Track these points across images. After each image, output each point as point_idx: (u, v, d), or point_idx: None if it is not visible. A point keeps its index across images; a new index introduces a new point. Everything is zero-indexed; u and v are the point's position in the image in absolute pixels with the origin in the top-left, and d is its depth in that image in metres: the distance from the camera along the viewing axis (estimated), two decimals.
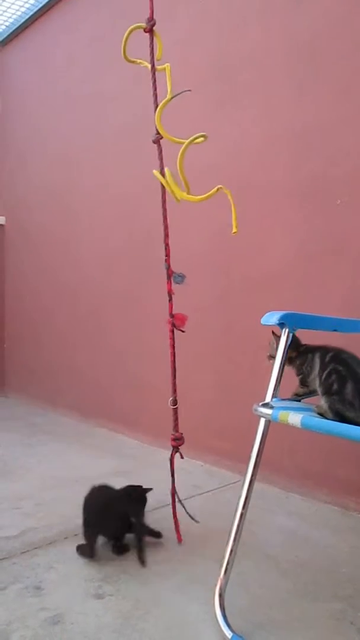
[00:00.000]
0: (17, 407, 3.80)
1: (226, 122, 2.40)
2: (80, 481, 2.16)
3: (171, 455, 1.70)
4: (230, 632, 1.18)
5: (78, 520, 1.72)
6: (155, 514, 1.86)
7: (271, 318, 1.31)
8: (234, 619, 1.23)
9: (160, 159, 1.70)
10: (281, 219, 2.18)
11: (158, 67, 1.69)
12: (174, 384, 1.75)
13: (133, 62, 1.73)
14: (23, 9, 3.64)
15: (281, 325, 1.32)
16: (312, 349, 1.36)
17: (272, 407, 1.20)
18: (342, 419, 1.17)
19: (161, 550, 1.61)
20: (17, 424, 3.29)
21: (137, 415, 2.92)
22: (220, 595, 1.27)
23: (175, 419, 1.74)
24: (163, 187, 1.68)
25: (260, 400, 1.30)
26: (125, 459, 2.52)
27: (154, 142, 1.69)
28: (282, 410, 1.16)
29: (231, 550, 1.28)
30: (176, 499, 1.70)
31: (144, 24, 1.67)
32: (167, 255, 1.70)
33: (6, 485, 2.17)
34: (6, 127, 4.12)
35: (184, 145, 1.54)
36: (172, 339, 1.74)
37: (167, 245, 1.71)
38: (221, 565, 1.29)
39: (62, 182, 3.52)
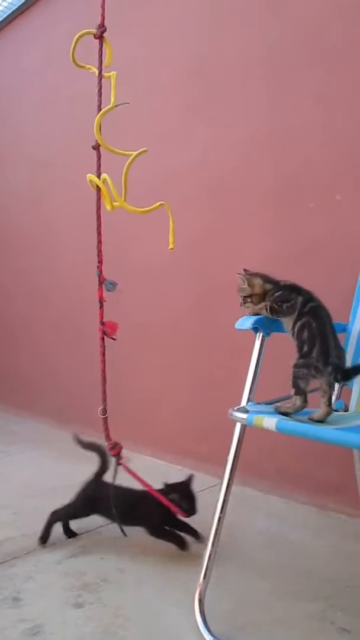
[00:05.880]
0: None
1: (202, 124, 2.41)
2: (60, 489, 2.14)
3: (117, 464, 1.70)
4: (211, 637, 1.18)
5: (57, 528, 1.71)
6: None
7: (245, 322, 1.32)
8: (215, 623, 1.23)
9: (98, 165, 1.73)
10: (256, 222, 2.20)
11: (105, 74, 1.69)
12: (104, 393, 1.78)
13: (82, 67, 1.73)
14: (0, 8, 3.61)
15: (255, 329, 1.33)
16: (294, 288, 1.34)
17: (247, 412, 1.21)
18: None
19: (141, 556, 1.60)
20: None
21: (114, 421, 2.90)
22: (200, 600, 1.27)
23: (106, 429, 1.77)
24: (98, 192, 1.71)
25: (237, 403, 1.31)
26: None
27: (94, 148, 1.72)
28: (257, 414, 1.17)
29: (210, 554, 1.28)
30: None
31: (94, 30, 1.67)
32: (100, 261, 1.73)
33: None
34: None
35: (129, 160, 1.56)
36: (103, 346, 1.78)
37: (99, 251, 1.74)
38: (201, 570, 1.29)
39: (39, 186, 3.49)
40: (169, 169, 2.55)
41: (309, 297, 1.30)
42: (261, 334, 1.34)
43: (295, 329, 1.26)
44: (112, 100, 1.62)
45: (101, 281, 1.71)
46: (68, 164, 3.22)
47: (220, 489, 1.29)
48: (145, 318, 2.71)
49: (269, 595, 1.40)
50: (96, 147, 1.70)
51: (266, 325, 1.34)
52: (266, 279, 1.38)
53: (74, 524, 1.75)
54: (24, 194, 3.63)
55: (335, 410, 1.43)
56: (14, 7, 3.53)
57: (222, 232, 2.34)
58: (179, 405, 2.52)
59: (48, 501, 2.01)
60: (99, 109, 1.67)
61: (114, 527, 1.66)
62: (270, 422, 1.12)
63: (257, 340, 1.34)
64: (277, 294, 1.33)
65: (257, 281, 1.37)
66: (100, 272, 1.72)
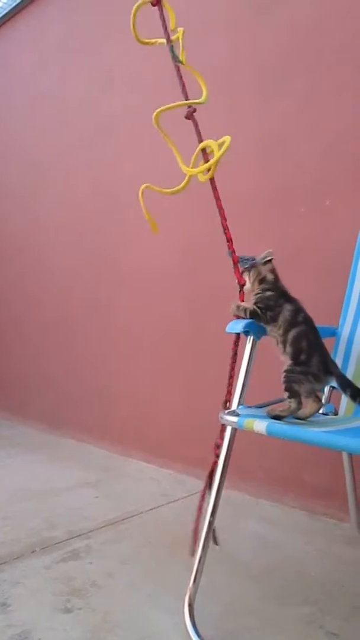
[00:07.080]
0: None
1: (190, 131, 2.41)
2: (49, 493, 2.13)
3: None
4: None
5: (46, 533, 1.70)
6: (122, 524, 1.85)
7: (236, 326, 1.32)
8: (205, 628, 1.23)
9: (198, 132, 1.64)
10: (247, 226, 2.19)
11: (173, 37, 1.61)
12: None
13: (147, 42, 1.63)
14: None
15: (246, 333, 1.33)
16: (284, 294, 1.35)
17: (238, 415, 1.21)
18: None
19: (130, 561, 1.59)
20: None
21: (104, 425, 2.90)
22: (190, 605, 1.26)
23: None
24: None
25: (228, 407, 1.31)
26: (94, 470, 2.50)
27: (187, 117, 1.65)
28: (247, 418, 1.17)
29: (200, 558, 1.27)
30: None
31: None
32: (229, 240, 1.55)
33: None
34: None
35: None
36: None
37: (226, 228, 1.57)
38: (190, 574, 1.28)
39: (30, 189, 3.49)
40: (161, 174, 2.55)
41: (298, 306, 1.32)
42: (252, 338, 1.34)
43: (289, 337, 1.28)
44: (181, 53, 1.59)
45: (235, 261, 1.50)
46: (60, 165, 3.23)
47: (210, 493, 1.29)
48: (137, 323, 2.71)
49: (258, 599, 1.40)
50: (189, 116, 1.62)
51: (257, 330, 1.34)
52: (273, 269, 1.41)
53: (61, 529, 1.74)
54: (16, 196, 3.62)
55: (325, 414, 1.44)
56: (4, 12, 3.54)
57: (213, 237, 2.34)
58: (170, 409, 2.52)
59: (38, 505, 2.00)
60: (184, 92, 1.62)
61: (104, 531, 1.65)
62: (260, 425, 1.12)
63: (247, 344, 1.34)
64: (267, 294, 1.34)
65: (269, 268, 1.42)
66: (233, 251, 1.51)
